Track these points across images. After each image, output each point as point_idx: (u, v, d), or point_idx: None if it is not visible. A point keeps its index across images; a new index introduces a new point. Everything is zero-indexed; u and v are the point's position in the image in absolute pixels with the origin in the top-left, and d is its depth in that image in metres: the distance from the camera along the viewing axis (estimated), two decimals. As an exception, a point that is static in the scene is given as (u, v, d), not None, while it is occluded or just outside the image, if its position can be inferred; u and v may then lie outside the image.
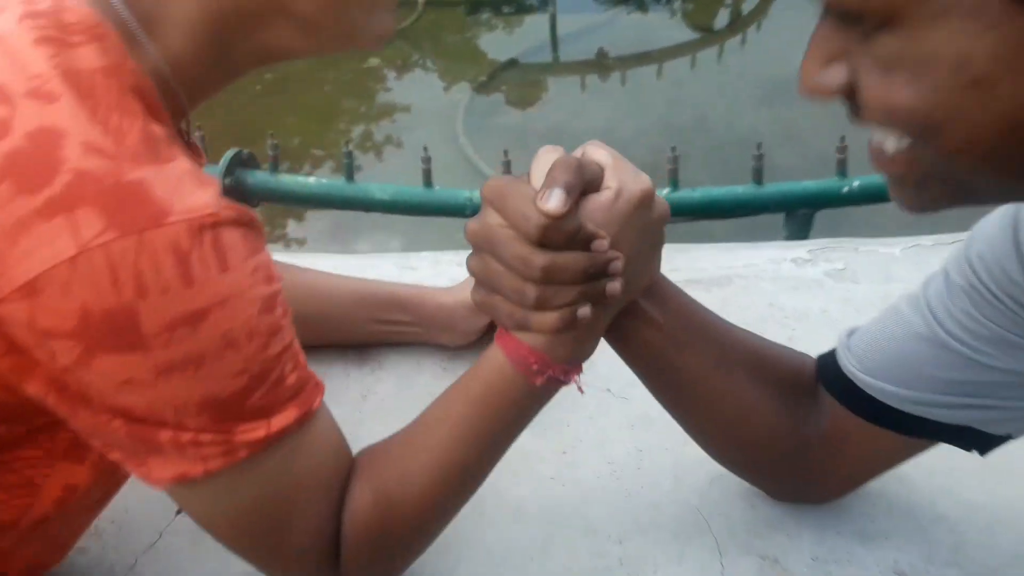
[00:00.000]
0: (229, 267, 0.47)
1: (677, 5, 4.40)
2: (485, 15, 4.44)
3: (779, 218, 1.81)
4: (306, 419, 0.54)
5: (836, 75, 0.39)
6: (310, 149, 3.27)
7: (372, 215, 1.97)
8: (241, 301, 0.48)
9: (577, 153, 0.57)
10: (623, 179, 0.55)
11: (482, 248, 0.55)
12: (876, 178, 1.80)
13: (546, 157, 0.54)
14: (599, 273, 0.54)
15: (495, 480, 0.64)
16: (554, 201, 0.51)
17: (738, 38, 3.96)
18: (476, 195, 1.79)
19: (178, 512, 0.76)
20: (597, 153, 0.56)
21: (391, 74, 3.94)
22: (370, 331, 0.91)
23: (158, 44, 0.53)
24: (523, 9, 4.44)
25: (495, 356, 0.58)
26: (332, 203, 1.92)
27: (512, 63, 3.88)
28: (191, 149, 0.60)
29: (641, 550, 0.70)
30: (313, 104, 3.69)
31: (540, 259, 0.52)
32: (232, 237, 0.47)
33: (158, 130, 0.48)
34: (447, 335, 0.91)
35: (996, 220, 0.56)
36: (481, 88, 3.67)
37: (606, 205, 0.54)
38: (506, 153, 1.66)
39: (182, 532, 0.74)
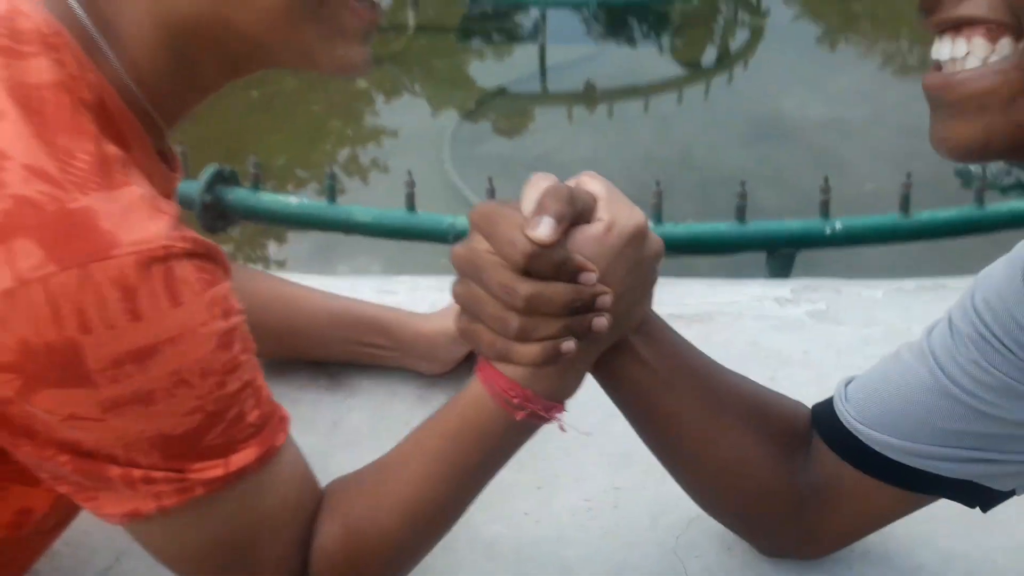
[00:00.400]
0: (181, 302, 0.45)
1: (665, 41, 4.46)
2: (476, 43, 4.48)
3: (761, 256, 1.82)
4: (268, 457, 0.51)
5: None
6: (295, 169, 3.26)
7: (354, 238, 1.96)
8: (194, 338, 0.46)
9: (571, 183, 0.55)
10: (616, 212, 0.54)
11: (467, 274, 0.53)
12: (859, 220, 1.81)
13: (538, 184, 0.53)
14: (585, 307, 0.52)
15: (468, 515, 0.63)
16: (543, 229, 0.50)
17: (725, 76, 4.02)
18: (459, 221, 1.78)
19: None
20: (591, 184, 0.55)
21: (379, 97, 3.95)
22: (347, 351, 0.89)
23: (120, 55, 0.51)
24: (513, 38, 4.48)
25: (474, 389, 0.56)
26: (313, 224, 1.91)
27: (501, 91, 3.91)
28: (169, 164, 0.58)
29: (615, 592, 0.69)
30: (300, 124, 3.69)
31: (525, 288, 0.50)
32: (185, 270, 0.45)
33: (112, 151, 0.46)
34: (425, 362, 0.90)
35: (1002, 266, 0.55)
36: (469, 115, 3.68)
37: (597, 237, 0.53)
38: (491, 180, 1.66)
39: (140, 556, 0.71)
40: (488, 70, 4.19)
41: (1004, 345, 0.53)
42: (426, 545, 0.60)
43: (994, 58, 0.38)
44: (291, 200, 1.95)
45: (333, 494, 0.58)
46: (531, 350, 0.52)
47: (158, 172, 0.55)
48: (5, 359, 0.43)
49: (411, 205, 1.81)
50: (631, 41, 4.41)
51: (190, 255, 0.46)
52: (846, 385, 0.63)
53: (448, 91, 4.01)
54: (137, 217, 0.44)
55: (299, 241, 2.70)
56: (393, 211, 1.83)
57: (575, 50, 4.03)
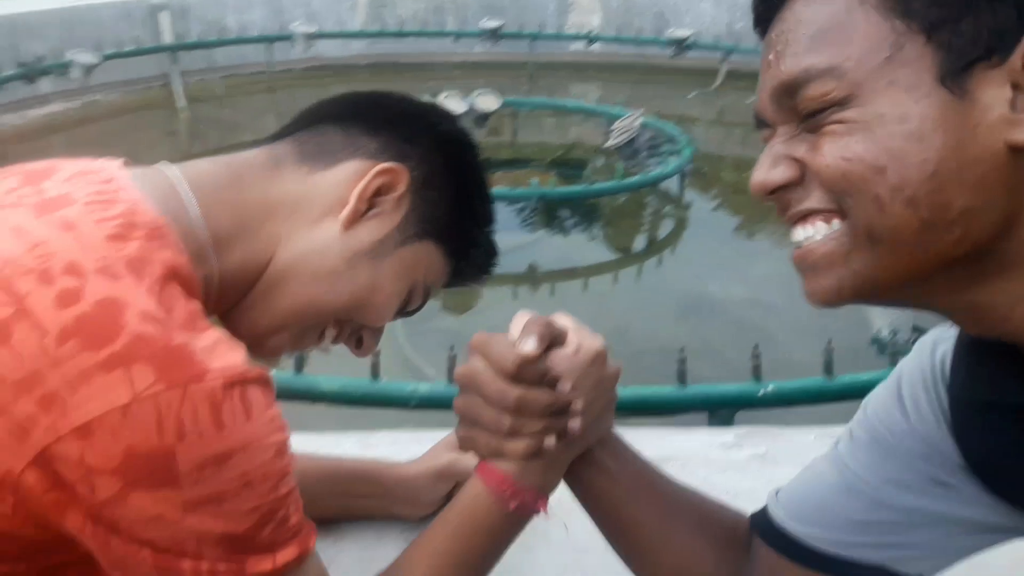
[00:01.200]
0: (252, 417, 0.56)
1: (598, 230, 4.82)
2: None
3: (702, 417, 1.94)
4: (305, 556, 0.60)
5: (783, 171, 0.53)
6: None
7: (318, 410, 2.01)
8: (260, 446, 0.56)
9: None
10: (582, 338, 0.69)
11: (467, 387, 0.67)
12: (788, 383, 1.98)
13: (521, 318, 0.68)
14: (562, 410, 0.66)
15: None
16: (529, 344, 0.65)
17: (655, 260, 4.35)
18: (421, 387, 1.87)
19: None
20: (562, 319, 0.71)
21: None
22: (337, 505, 0.96)
23: (220, 260, 0.66)
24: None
25: (472, 485, 0.68)
26: (278, 394, 1.97)
27: (447, 274, 4.12)
28: None
29: None
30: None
31: (514, 391, 0.65)
32: (255, 392, 0.56)
33: (196, 307, 0.59)
34: (408, 507, 0.96)
35: (884, 382, 0.70)
36: (417, 295, 3.86)
37: (568, 356, 0.68)
38: (452, 348, 1.78)
39: None
40: (434, 254, 4.43)
41: (889, 444, 0.66)
42: None
43: (831, 231, 0.53)
44: (256, 372, 2.01)
45: None
46: (520, 445, 0.66)
47: None
48: (111, 464, 0.52)
49: (375, 374, 1.90)
50: (567, 231, 4.75)
51: (257, 381, 0.57)
52: (776, 493, 0.75)
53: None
54: (221, 351, 0.56)
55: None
56: (358, 380, 1.92)
57: (517, 237, 4.33)
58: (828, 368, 1.94)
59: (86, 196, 0.60)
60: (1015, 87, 0.48)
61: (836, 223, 0.53)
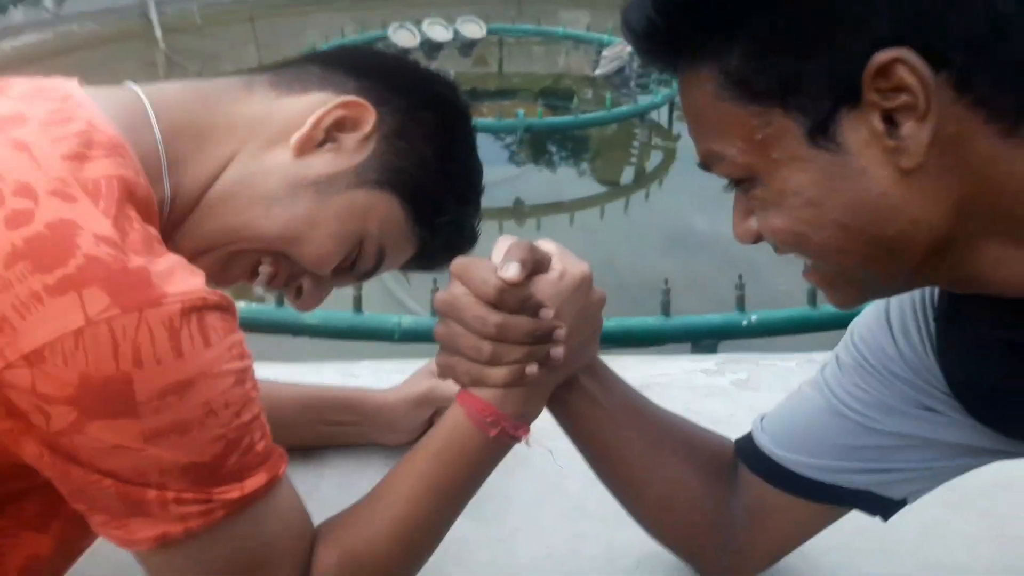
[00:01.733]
0: (211, 343, 0.53)
1: (586, 163, 4.77)
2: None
3: (685, 348, 1.96)
4: (273, 483, 0.58)
5: (751, 224, 0.55)
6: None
7: (302, 342, 2.01)
8: (220, 373, 0.54)
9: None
10: (567, 264, 0.66)
11: (447, 314, 0.64)
12: (772, 313, 1.98)
13: (505, 241, 0.65)
14: (544, 337, 0.64)
15: (435, 567, 0.68)
16: (511, 271, 0.62)
17: (642, 193, 4.32)
18: (405, 320, 1.87)
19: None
20: (547, 244, 0.68)
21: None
22: (316, 433, 0.95)
23: (173, 183, 0.63)
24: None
25: (453, 412, 0.66)
26: (261, 327, 1.96)
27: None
28: None
29: (577, 626, 0.75)
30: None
31: (494, 318, 0.62)
32: (214, 318, 0.54)
33: (153, 231, 0.56)
34: (389, 433, 0.96)
35: (871, 309, 0.69)
36: (403, 230, 3.83)
37: (552, 282, 0.65)
38: (435, 282, 1.77)
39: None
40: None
41: (876, 369, 0.66)
42: (416, 563, 0.67)
43: (807, 263, 0.56)
44: (239, 304, 2.00)
45: (326, 526, 0.65)
46: (501, 372, 0.64)
47: None
48: (65, 393, 0.50)
49: (358, 307, 1.89)
50: (554, 164, 4.70)
51: (217, 307, 0.55)
52: (761, 419, 0.74)
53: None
54: (179, 275, 0.53)
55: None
56: (340, 313, 1.91)
57: (504, 170, 4.28)
58: (812, 299, 1.94)
59: (42, 114, 0.57)
60: (883, 116, 0.47)
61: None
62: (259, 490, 0.57)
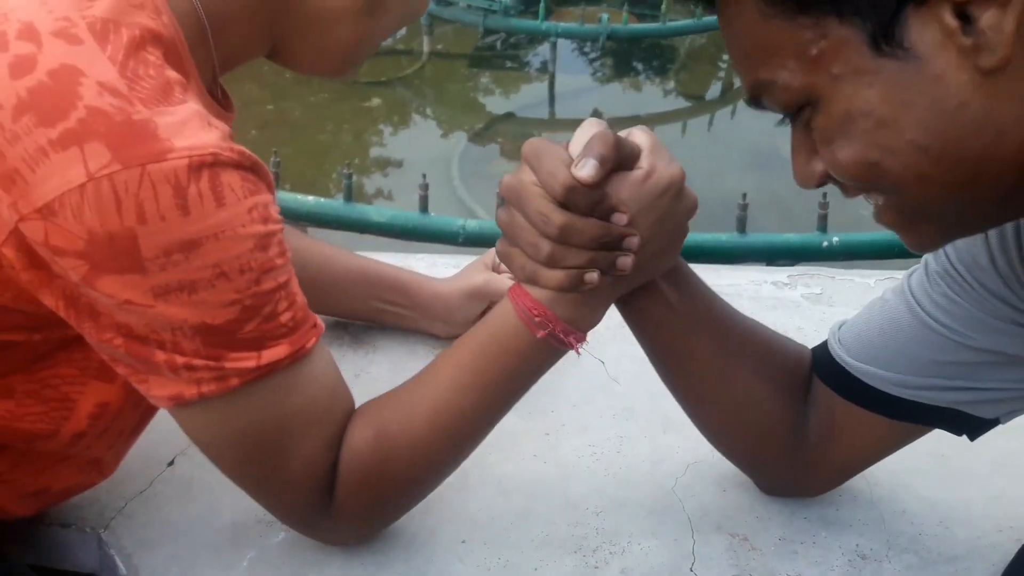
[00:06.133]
0: (225, 203, 0.51)
1: (671, 75, 4.57)
2: (487, 70, 4.59)
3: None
4: (299, 356, 0.56)
5: (816, 166, 0.49)
6: (309, 177, 3.33)
7: (367, 240, 2.02)
8: (234, 236, 0.51)
9: (622, 134, 0.60)
10: (656, 163, 0.59)
11: (511, 201, 0.59)
12: (856, 235, 1.88)
13: (588, 128, 0.58)
14: (613, 244, 0.58)
15: (480, 456, 0.67)
16: (587, 170, 0.55)
17: (728, 109, 4.13)
18: (469, 223, 1.85)
19: (170, 464, 0.78)
20: (639, 136, 0.60)
21: (393, 116, 4.05)
22: (367, 308, 0.93)
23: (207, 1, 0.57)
24: (523, 66, 4.60)
25: (503, 306, 0.62)
26: (328, 223, 1.97)
27: (509, 116, 4.01)
28: (223, 103, 0.64)
29: (617, 523, 0.73)
30: (311, 142, 3.77)
31: (559, 218, 0.56)
32: (231, 177, 0.51)
33: (174, 75, 0.53)
34: (440, 324, 0.94)
35: None
36: (476, 137, 3.78)
37: (634, 183, 0.58)
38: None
39: (173, 483, 0.77)
40: (498, 96, 4.30)
41: (967, 281, 0.60)
42: (451, 458, 0.65)
43: (879, 200, 0.50)
44: (308, 199, 2.01)
45: (367, 405, 0.63)
46: (556, 275, 0.58)
47: (211, 108, 0.62)
48: (76, 247, 0.49)
49: (424, 207, 1.87)
50: (638, 74, 4.53)
51: (236, 165, 0.52)
52: (839, 328, 0.68)
53: (458, 114, 4.11)
54: (191, 129, 0.51)
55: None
56: (407, 212, 1.90)
57: (583, 80, 4.15)
58: (901, 222, 1.83)
59: None
60: (955, 11, 0.42)
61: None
62: (279, 361, 0.55)
